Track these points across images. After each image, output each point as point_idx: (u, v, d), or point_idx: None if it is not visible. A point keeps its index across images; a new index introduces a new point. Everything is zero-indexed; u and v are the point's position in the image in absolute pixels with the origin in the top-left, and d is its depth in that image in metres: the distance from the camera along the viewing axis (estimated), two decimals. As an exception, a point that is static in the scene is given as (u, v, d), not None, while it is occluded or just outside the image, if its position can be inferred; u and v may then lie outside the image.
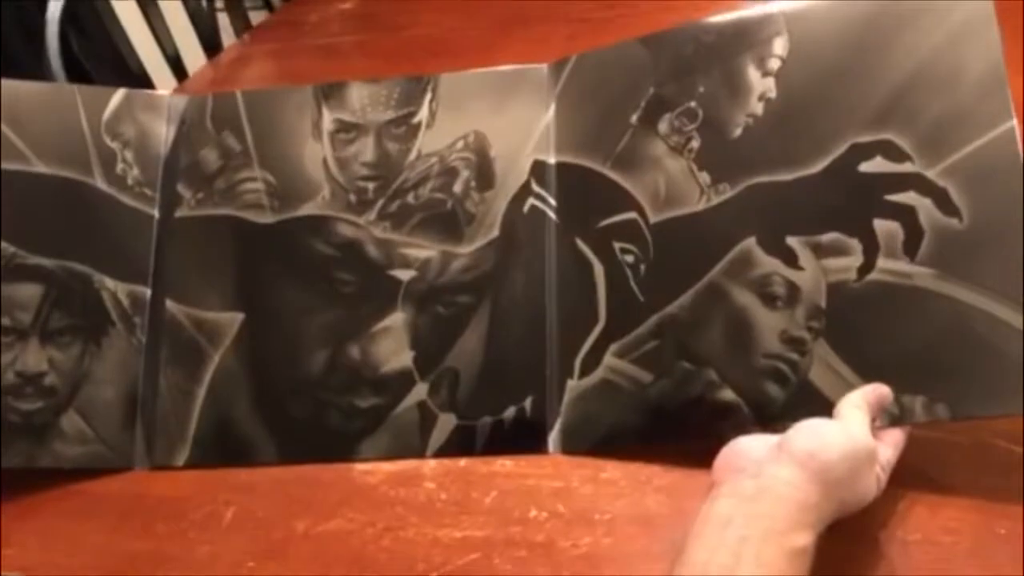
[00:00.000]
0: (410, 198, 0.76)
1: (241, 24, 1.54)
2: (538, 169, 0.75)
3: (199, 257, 0.78)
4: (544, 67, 0.78)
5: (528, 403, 0.70)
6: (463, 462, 0.69)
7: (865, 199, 0.62)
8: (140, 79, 1.40)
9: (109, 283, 0.76)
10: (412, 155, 0.77)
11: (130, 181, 0.79)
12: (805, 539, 0.51)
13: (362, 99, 0.80)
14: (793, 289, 0.63)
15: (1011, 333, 0.57)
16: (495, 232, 0.74)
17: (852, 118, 0.63)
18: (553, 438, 0.69)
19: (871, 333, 0.61)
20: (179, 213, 0.79)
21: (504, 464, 0.68)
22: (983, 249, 0.58)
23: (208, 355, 0.75)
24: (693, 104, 0.69)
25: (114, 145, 0.79)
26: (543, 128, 0.76)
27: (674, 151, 0.69)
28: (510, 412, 0.70)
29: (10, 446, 0.72)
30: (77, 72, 1.29)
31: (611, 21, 1.16)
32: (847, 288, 0.61)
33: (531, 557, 0.61)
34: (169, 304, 0.77)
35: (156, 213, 0.79)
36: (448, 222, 0.75)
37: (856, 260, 0.61)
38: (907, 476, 0.59)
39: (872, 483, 0.55)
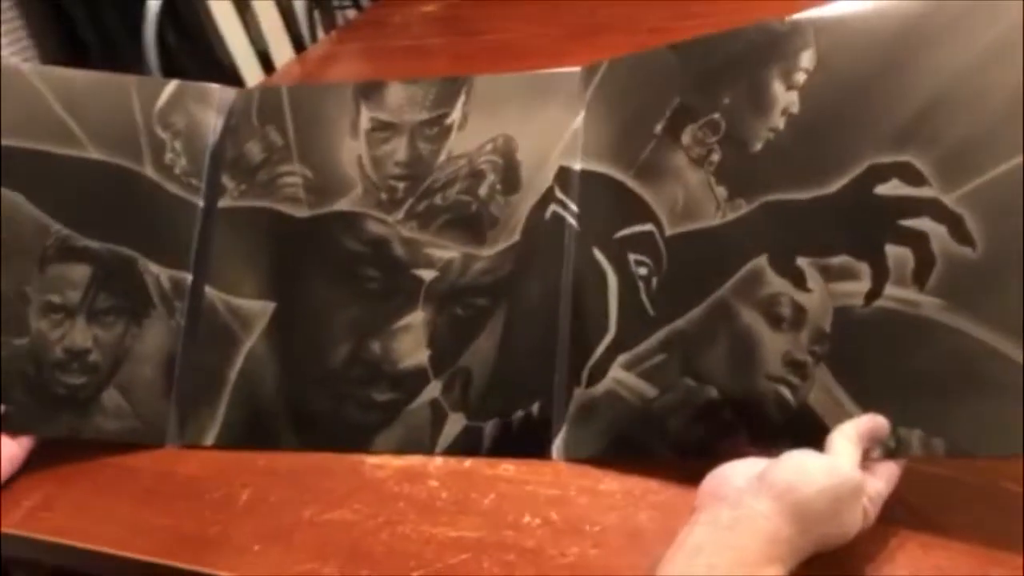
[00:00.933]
0: (437, 199, 0.77)
1: (329, 22, 1.59)
2: (563, 175, 0.75)
3: (238, 246, 0.81)
4: (577, 71, 0.78)
5: (535, 408, 0.70)
6: (468, 463, 0.70)
7: (878, 223, 0.60)
8: (230, 74, 1.46)
9: (153, 268, 0.80)
10: (442, 156, 0.78)
11: (177, 170, 0.82)
12: (774, 572, 0.50)
13: (399, 99, 0.81)
14: (799, 311, 0.62)
15: (1017, 372, 0.54)
16: (516, 236, 0.75)
17: (873, 138, 0.61)
18: (557, 445, 0.69)
19: (873, 362, 0.59)
20: (222, 203, 0.82)
21: (507, 468, 0.69)
22: (996, 282, 0.56)
23: (241, 341, 0.78)
24: (717, 116, 0.68)
25: (164, 135, 0.83)
26: (571, 133, 0.76)
27: (695, 163, 0.68)
28: (518, 415, 0.70)
29: (55, 417, 0.76)
30: (172, 66, 1.36)
31: (685, 31, 1.14)
32: (853, 314, 0.60)
33: (519, 562, 0.62)
34: (208, 290, 0.80)
35: (201, 203, 0.82)
36: (472, 224, 0.76)
37: (864, 285, 0.60)
38: (905, 513, 0.58)
39: (856, 517, 0.54)
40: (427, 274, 0.76)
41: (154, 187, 0.82)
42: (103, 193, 0.81)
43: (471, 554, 0.63)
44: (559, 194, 0.75)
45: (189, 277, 0.81)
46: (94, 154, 0.81)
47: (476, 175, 0.77)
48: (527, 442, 0.70)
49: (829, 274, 0.61)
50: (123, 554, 0.69)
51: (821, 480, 0.53)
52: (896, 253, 0.59)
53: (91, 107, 0.82)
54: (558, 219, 0.74)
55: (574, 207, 0.74)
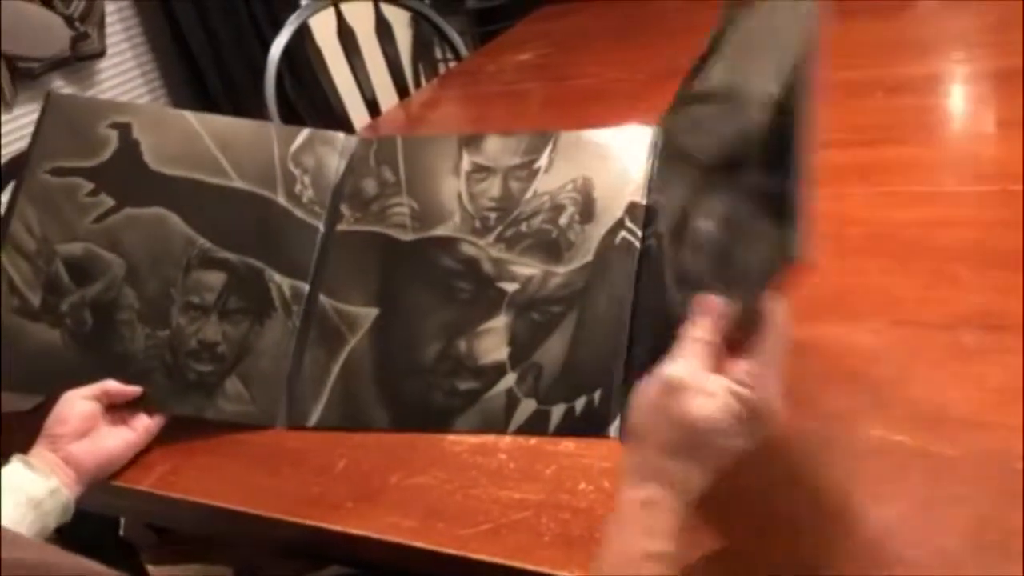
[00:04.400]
0: (523, 227, 0.90)
1: (432, 74, 1.77)
2: (632, 209, 0.87)
3: (351, 263, 0.94)
4: (651, 128, 0.91)
5: (597, 396, 0.80)
6: (534, 440, 0.80)
7: None
8: (340, 117, 1.64)
9: (277, 277, 0.94)
10: (529, 193, 0.92)
11: (305, 200, 0.97)
12: (646, 492, 0.55)
13: (496, 148, 0.95)
14: None
15: None
16: (589, 257, 0.87)
17: None
18: (614, 426, 0.79)
19: None
20: (340, 227, 0.96)
21: (568, 445, 0.79)
22: None
23: (346, 340, 0.91)
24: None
25: (296, 171, 0.98)
26: (642, 176, 0.88)
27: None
28: (581, 402, 0.80)
29: (185, 398, 0.89)
30: (289, 110, 1.54)
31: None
32: None
33: (572, 519, 0.70)
34: (321, 298, 0.93)
35: (322, 227, 0.97)
36: (551, 247, 0.88)
37: None
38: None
39: (697, 407, 0.54)
40: (510, 287, 0.88)
41: (284, 212, 0.96)
42: (241, 215, 0.96)
43: (532, 512, 0.72)
44: (629, 224, 0.87)
45: (307, 287, 0.94)
46: (237, 183, 0.96)
47: (557, 208, 0.90)
48: (588, 424, 0.79)
49: None
50: (237, 508, 0.80)
51: (635, 403, 0.58)
52: None
53: (239, 146, 0.98)
54: (626, 243, 0.86)
55: (640, 233, 0.86)
